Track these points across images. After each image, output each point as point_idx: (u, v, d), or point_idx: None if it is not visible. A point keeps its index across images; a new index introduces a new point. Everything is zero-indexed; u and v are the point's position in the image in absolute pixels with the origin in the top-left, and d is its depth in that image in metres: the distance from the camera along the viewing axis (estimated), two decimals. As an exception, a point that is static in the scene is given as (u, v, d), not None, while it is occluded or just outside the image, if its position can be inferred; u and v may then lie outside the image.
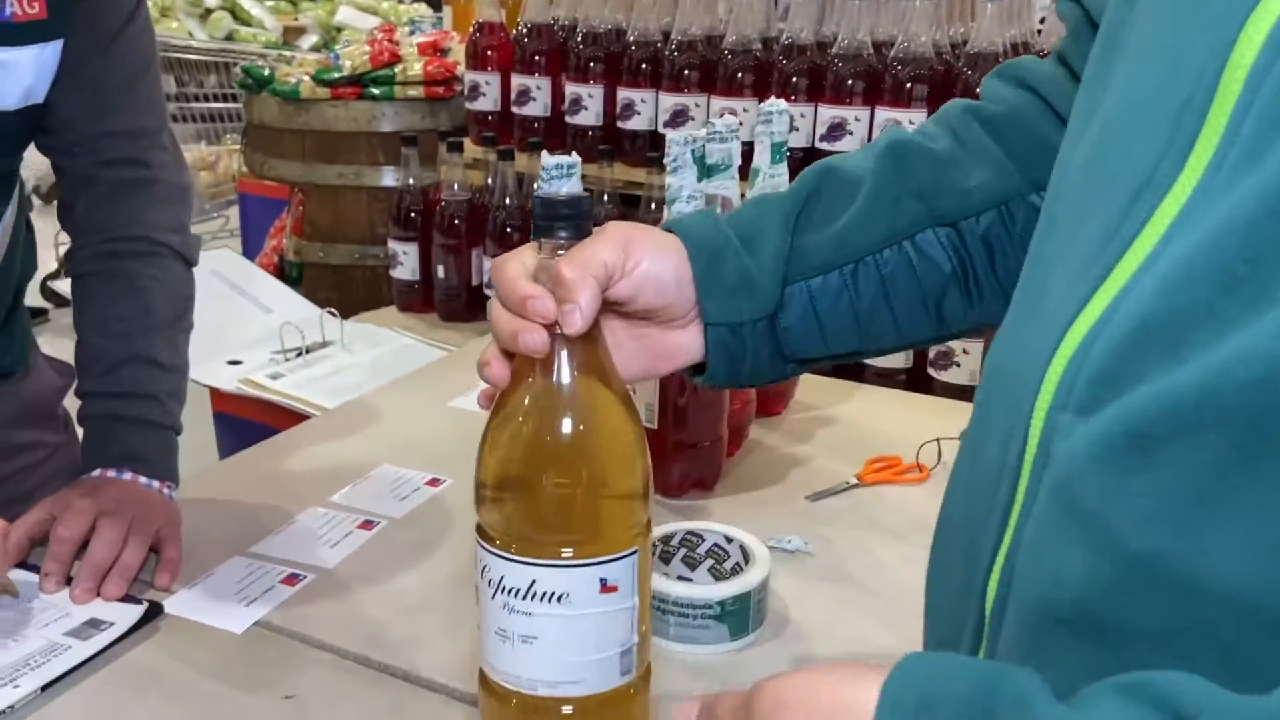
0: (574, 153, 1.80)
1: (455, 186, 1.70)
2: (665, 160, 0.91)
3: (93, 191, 0.92)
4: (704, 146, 0.94)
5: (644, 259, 0.58)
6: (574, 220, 0.55)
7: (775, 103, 1.08)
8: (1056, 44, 0.65)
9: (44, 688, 0.72)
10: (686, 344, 0.62)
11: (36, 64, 0.83)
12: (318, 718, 0.70)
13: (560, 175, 0.80)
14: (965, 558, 0.47)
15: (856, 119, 1.58)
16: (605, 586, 0.56)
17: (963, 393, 1.43)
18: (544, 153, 0.82)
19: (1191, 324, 0.36)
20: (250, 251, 2.73)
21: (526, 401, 0.56)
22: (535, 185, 0.82)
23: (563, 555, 0.55)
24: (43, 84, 0.85)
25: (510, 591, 0.56)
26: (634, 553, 0.57)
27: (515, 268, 0.55)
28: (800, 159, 1.54)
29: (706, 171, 0.96)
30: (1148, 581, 0.37)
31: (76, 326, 0.93)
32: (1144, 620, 0.37)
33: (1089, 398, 0.39)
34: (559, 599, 0.56)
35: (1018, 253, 0.63)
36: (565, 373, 0.55)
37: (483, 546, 0.57)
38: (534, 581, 0.55)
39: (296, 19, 4.68)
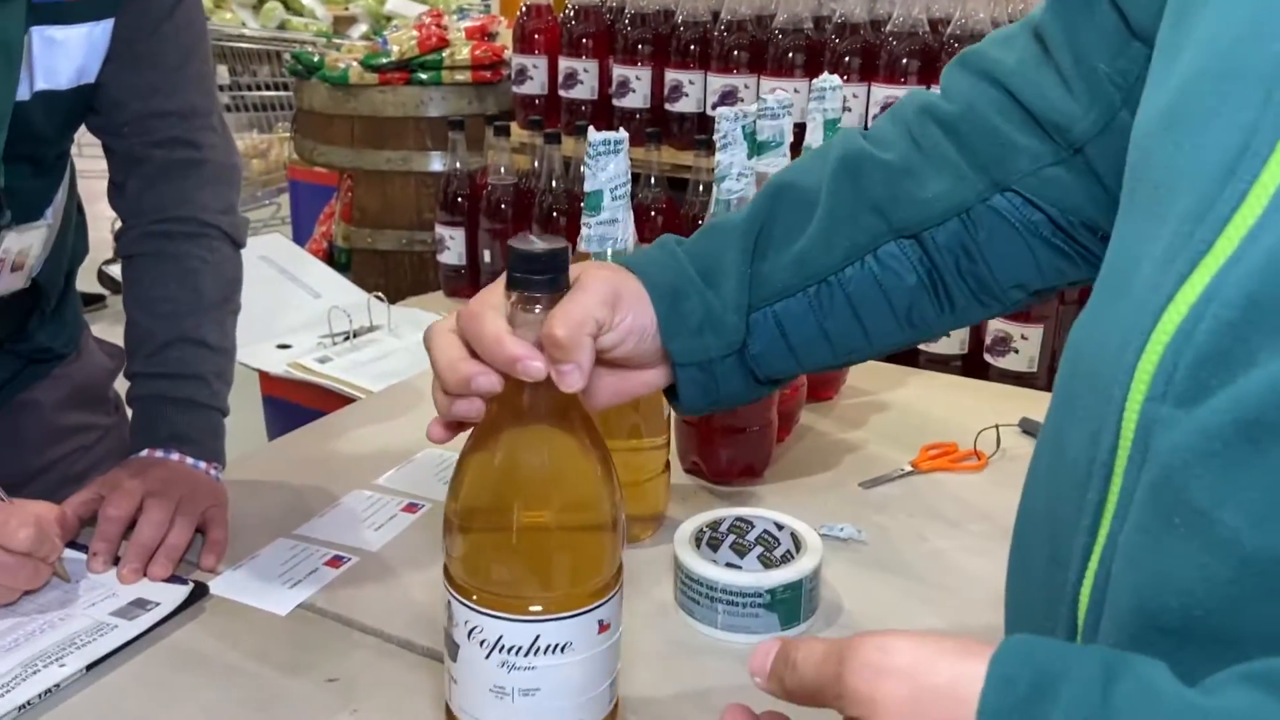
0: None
1: (502, 170, 1.68)
2: (715, 136, 0.89)
3: (143, 172, 0.91)
4: (755, 122, 0.92)
5: (630, 313, 0.58)
6: (552, 274, 0.54)
7: (829, 78, 1.05)
8: (1032, 14, 0.61)
9: (89, 667, 0.72)
10: (654, 379, 0.62)
11: (88, 42, 0.83)
12: (362, 702, 0.69)
13: (607, 151, 0.78)
14: (1051, 560, 0.44)
15: (911, 99, 1.55)
16: (602, 627, 0.58)
17: (1018, 379, 1.39)
18: (590, 129, 0.80)
19: None
20: (300, 238, 2.74)
21: (515, 466, 0.56)
22: (582, 166, 0.80)
23: (569, 607, 0.56)
24: (94, 63, 0.84)
25: (510, 650, 0.56)
26: (621, 586, 0.59)
27: (494, 323, 0.54)
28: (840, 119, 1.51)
29: (757, 148, 0.94)
30: (1264, 584, 0.34)
31: (126, 306, 0.93)
32: (1258, 625, 0.34)
33: (1192, 385, 0.36)
34: (562, 649, 0.56)
35: (985, 258, 0.62)
36: (544, 424, 0.55)
37: (473, 609, 0.56)
38: (537, 637, 0.56)
39: (347, 8, 4.71)
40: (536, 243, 0.54)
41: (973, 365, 1.47)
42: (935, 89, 1.67)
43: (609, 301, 0.56)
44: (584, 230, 0.80)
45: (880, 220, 0.61)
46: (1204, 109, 0.40)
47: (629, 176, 0.80)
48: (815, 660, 0.38)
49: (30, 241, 0.87)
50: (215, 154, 0.93)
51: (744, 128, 0.88)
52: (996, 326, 1.42)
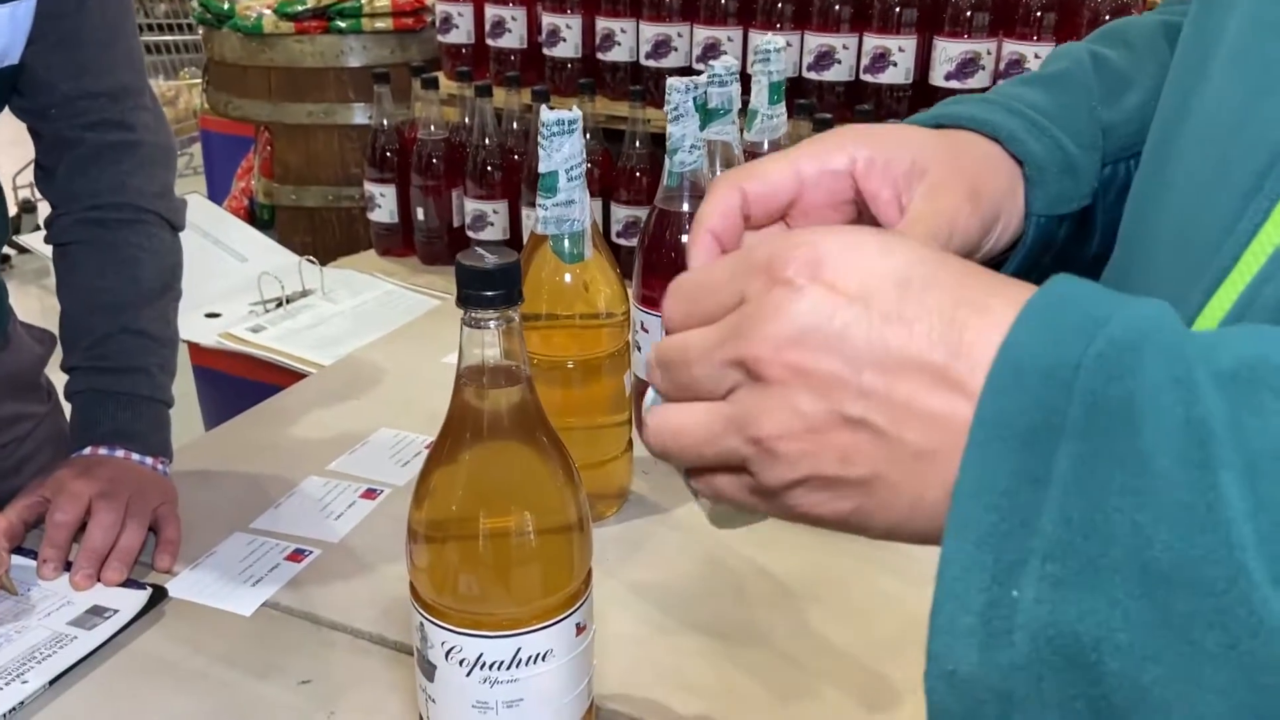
0: (551, 85, 1.73)
1: (432, 127, 1.64)
2: (666, 109, 0.87)
3: (74, 155, 0.87)
4: (706, 92, 0.91)
5: (1000, 220, 0.46)
6: (505, 289, 0.52)
7: (772, 40, 1.04)
8: None
9: (52, 681, 0.70)
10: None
11: (10, 22, 0.77)
12: (338, 703, 0.69)
13: (561, 132, 0.76)
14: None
15: (845, 47, 1.54)
16: (579, 629, 0.58)
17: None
18: (543, 108, 0.77)
19: None
20: (216, 191, 2.65)
21: (485, 485, 0.56)
22: (538, 144, 0.78)
23: (546, 617, 0.56)
24: (17, 43, 0.79)
25: (491, 666, 0.56)
26: (591, 585, 0.59)
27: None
28: (787, 90, 1.50)
29: (708, 117, 0.92)
30: None
31: (60, 297, 0.89)
32: None
33: None
34: (544, 657, 0.56)
35: None
36: (508, 439, 0.55)
37: (450, 630, 0.56)
38: (519, 650, 0.56)
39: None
40: (487, 257, 0.53)
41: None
42: (869, 37, 1.65)
43: (975, 198, 0.44)
44: (539, 212, 0.79)
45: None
46: (1233, 120, 0.38)
47: (584, 156, 0.79)
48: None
49: None
50: (148, 134, 0.89)
51: (695, 99, 0.87)
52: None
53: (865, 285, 0.29)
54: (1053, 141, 0.48)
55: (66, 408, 0.92)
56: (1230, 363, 0.26)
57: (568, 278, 0.82)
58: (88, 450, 0.85)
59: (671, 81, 0.86)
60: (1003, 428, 0.27)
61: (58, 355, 0.97)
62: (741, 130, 1.04)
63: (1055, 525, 0.26)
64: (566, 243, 0.80)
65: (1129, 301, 0.28)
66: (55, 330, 0.97)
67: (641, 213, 1.59)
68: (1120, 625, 0.25)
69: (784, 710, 0.69)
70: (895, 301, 0.29)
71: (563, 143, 0.76)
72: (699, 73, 1.61)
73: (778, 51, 1.04)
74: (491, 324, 0.53)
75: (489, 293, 0.52)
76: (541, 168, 0.77)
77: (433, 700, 0.59)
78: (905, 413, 0.29)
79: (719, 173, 0.98)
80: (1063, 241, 0.49)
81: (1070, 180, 0.48)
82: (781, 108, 1.07)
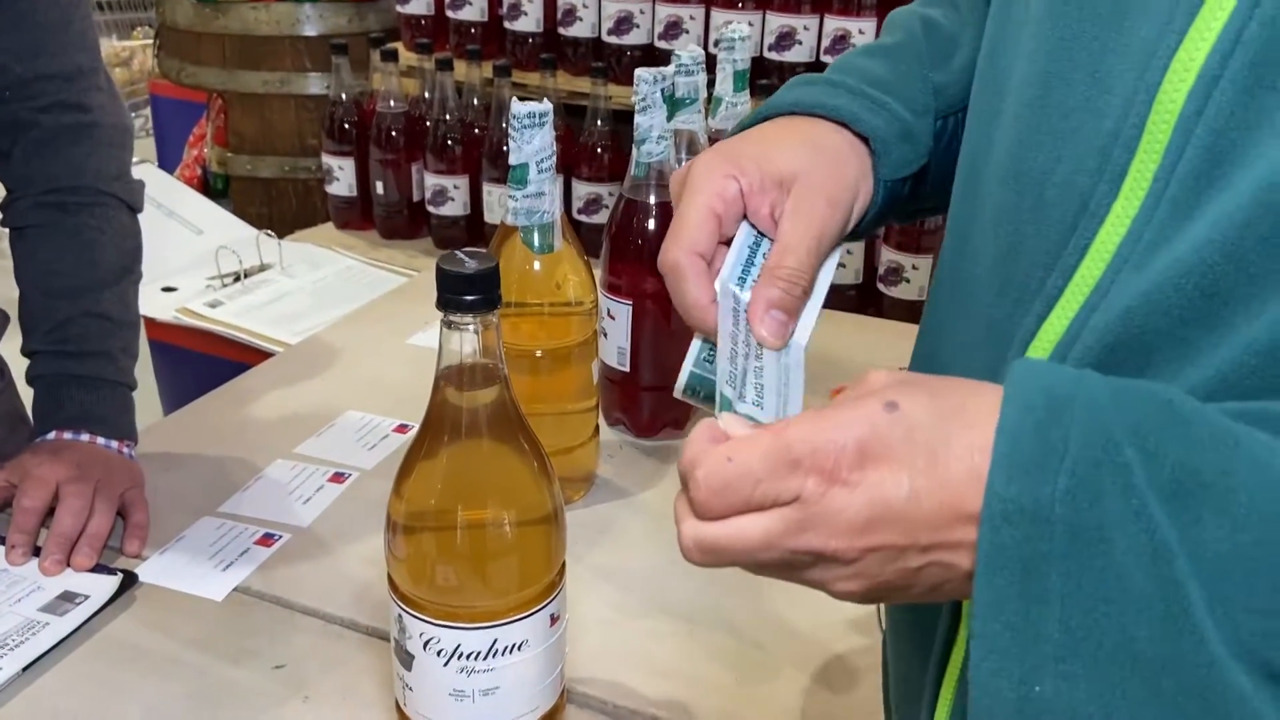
0: (513, 59, 1.72)
1: (391, 100, 1.63)
2: (634, 99, 0.88)
3: (29, 138, 0.86)
4: (673, 82, 0.91)
5: (857, 202, 0.51)
6: (484, 293, 0.53)
7: (737, 28, 1.05)
8: None
9: (25, 668, 0.70)
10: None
11: None
12: (312, 688, 0.70)
13: (533, 125, 0.77)
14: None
15: (805, 28, 1.55)
16: (553, 620, 0.60)
17: (910, 308, 1.45)
18: (514, 100, 0.78)
19: (1156, 350, 0.37)
20: (167, 158, 2.60)
21: (465, 483, 0.57)
22: (507, 135, 0.78)
23: (522, 609, 0.58)
24: None
25: (469, 656, 0.58)
26: (565, 577, 0.61)
27: (695, 290, 0.48)
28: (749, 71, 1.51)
29: (675, 106, 0.93)
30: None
31: (19, 281, 0.88)
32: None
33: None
34: (519, 647, 0.59)
35: None
36: (485, 438, 0.57)
37: (428, 622, 0.58)
38: (495, 640, 0.58)
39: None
40: (467, 262, 0.54)
41: (867, 294, 1.52)
42: (830, 18, 1.65)
43: (835, 211, 0.49)
44: (510, 204, 0.80)
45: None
46: (1043, 161, 0.42)
47: (555, 148, 0.79)
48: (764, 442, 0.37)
49: None
50: (105, 116, 0.88)
51: (663, 90, 0.88)
52: (889, 257, 1.47)
53: (901, 459, 0.35)
54: (891, 115, 0.53)
55: (24, 389, 0.92)
56: (1167, 476, 0.32)
57: (537, 266, 0.83)
58: (52, 435, 0.85)
59: (640, 73, 0.87)
60: (1005, 558, 0.34)
61: (12, 334, 0.97)
62: (706, 116, 1.05)
63: (1060, 632, 0.33)
64: (536, 234, 0.81)
65: (1076, 413, 0.33)
66: (7, 309, 0.96)
67: (603, 189, 1.60)
68: (1121, 703, 0.33)
69: (746, 691, 0.72)
70: (931, 470, 0.35)
71: (533, 135, 0.77)
72: (661, 52, 1.61)
73: (743, 40, 1.05)
74: (470, 327, 0.54)
75: (469, 297, 0.53)
76: (512, 160, 0.78)
77: (410, 689, 0.60)
78: (960, 550, 0.36)
79: (685, 161, 0.99)
80: (907, 194, 0.56)
81: (909, 146, 0.54)
82: (746, 95, 1.08)
